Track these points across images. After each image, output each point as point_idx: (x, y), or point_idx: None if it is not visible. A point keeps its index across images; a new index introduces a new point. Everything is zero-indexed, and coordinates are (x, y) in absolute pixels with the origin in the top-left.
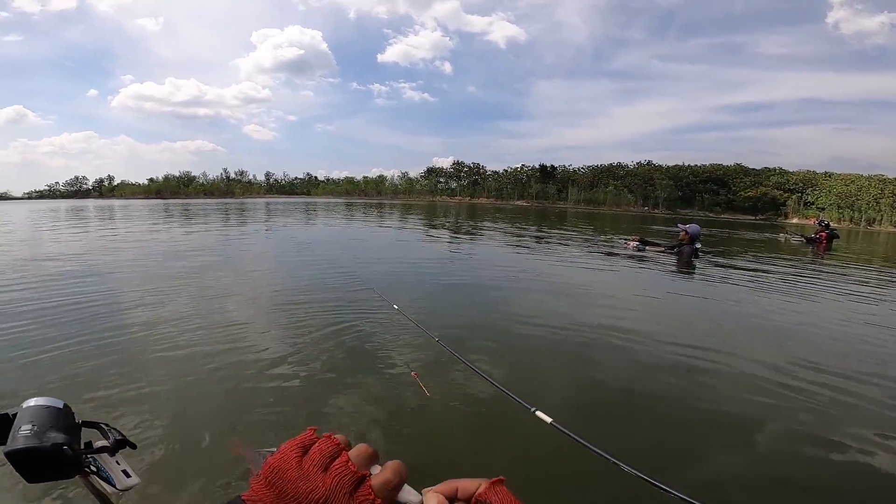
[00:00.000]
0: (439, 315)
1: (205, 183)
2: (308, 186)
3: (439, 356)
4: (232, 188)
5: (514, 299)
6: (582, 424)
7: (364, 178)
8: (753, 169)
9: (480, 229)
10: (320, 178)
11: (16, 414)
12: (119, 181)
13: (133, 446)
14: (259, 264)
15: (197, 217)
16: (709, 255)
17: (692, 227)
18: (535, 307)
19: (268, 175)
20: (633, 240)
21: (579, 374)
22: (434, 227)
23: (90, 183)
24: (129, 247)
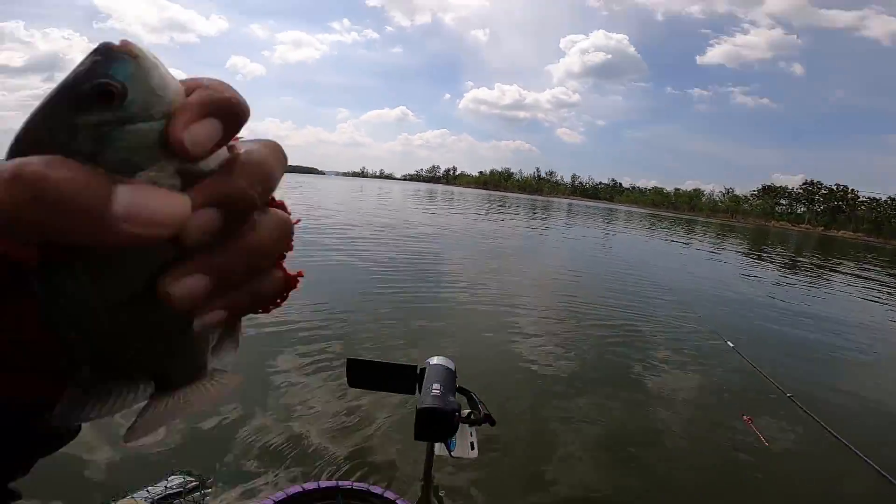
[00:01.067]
0: (782, 360)
1: (519, 179)
2: (611, 193)
3: (779, 406)
4: (541, 186)
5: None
6: None
7: (676, 190)
8: None
9: (839, 270)
10: (625, 185)
11: (423, 369)
12: (459, 172)
13: (493, 423)
14: (565, 263)
15: (510, 208)
16: None
17: None
18: None
19: (573, 177)
20: None
21: None
22: (771, 258)
23: (441, 171)
24: (461, 226)
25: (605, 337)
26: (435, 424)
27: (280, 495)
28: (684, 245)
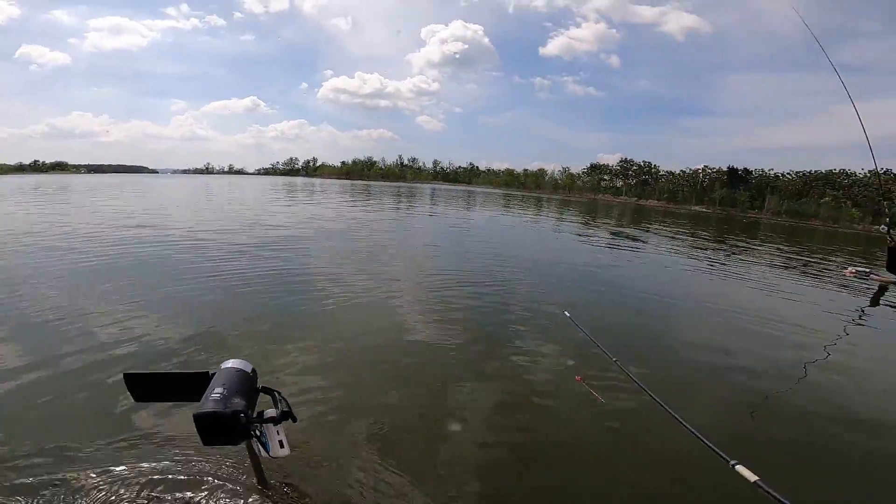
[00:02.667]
0: (610, 327)
1: (382, 168)
2: (470, 176)
3: (610, 372)
4: (404, 173)
5: (700, 321)
6: (798, 485)
7: (524, 170)
8: None
9: (649, 234)
10: (481, 167)
11: (214, 374)
12: (320, 163)
13: (294, 419)
14: (424, 246)
15: (375, 197)
16: None
17: None
18: (728, 333)
19: (435, 163)
20: (856, 267)
21: (794, 419)
22: (597, 227)
23: (300, 163)
24: (327, 219)
25: (461, 311)
26: (217, 428)
27: None
28: (533, 221)
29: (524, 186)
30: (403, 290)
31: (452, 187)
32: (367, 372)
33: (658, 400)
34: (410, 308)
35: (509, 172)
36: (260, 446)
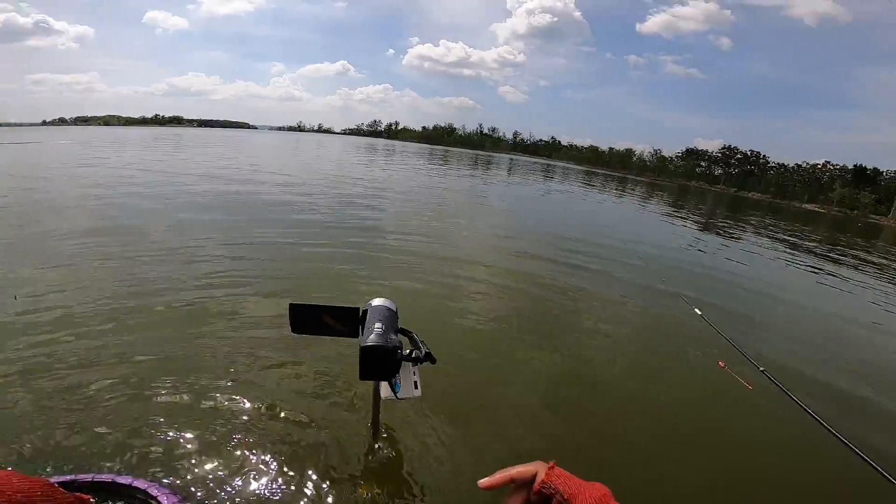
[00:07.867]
0: (744, 327)
1: (462, 135)
2: (550, 150)
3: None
4: (483, 142)
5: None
6: None
7: (610, 149)
8: None
9: (745, 227)
10: (563, 142)
11: (366, 311)
12: (402, 127)
13: (433, 361)
14: (504, 218)
15: (453, 161)
16: None
17: None
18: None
19: (515, 134)
20: None
21: None
22: (695, 213)
23: (383, 126)
24: (404, 180)
25: (553, 289)
26: (378, 362)
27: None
28: (639, 206)
29: (608, 165)
30: (491, 261)
31: (531, 159)
32: (446, 333)
33: (807, 409)
34: (499, 283)
35: (593, 150)
36: (388, 386)
